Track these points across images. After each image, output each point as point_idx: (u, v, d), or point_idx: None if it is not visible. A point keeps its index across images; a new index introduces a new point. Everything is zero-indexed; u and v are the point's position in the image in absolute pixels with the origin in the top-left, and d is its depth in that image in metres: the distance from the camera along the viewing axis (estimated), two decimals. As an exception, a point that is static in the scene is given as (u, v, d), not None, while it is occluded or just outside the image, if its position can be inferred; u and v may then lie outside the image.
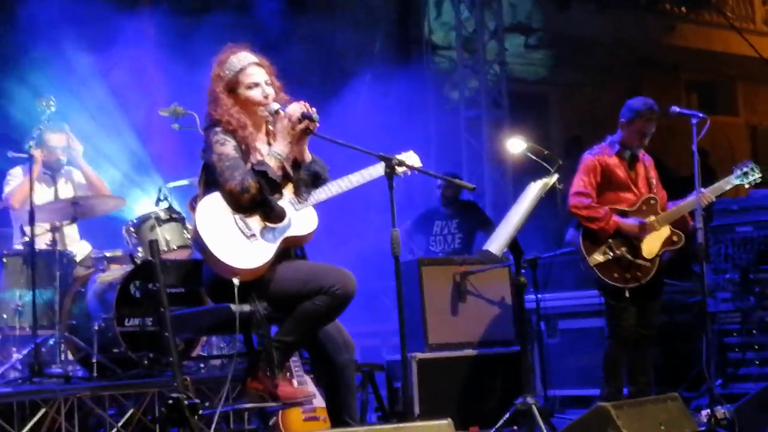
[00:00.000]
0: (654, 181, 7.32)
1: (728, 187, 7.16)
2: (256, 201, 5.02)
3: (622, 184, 7.20)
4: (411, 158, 5.46)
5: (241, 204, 5.01)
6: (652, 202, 7.19)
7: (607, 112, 8.00)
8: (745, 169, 7.22)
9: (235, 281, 4.91)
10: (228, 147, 5.08)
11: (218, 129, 5.11)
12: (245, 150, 5.11)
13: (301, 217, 5.16)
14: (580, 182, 7.14)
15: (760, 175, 7.23)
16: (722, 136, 16.00)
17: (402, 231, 5.18)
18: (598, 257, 7.03)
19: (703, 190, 6.95)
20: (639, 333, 7.10)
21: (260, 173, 4.99)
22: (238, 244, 4.99)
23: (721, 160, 14.07)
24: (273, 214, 5.07)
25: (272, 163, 5.04)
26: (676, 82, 17.11)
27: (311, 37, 10.87)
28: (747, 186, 7.30)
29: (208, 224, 5.00)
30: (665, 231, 7.14)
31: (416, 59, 12.93)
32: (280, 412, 6.41)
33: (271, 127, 5.28)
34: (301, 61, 10.29)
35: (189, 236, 7.46)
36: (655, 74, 16.05)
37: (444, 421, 4.64)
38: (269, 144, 5.25)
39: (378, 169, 5.31)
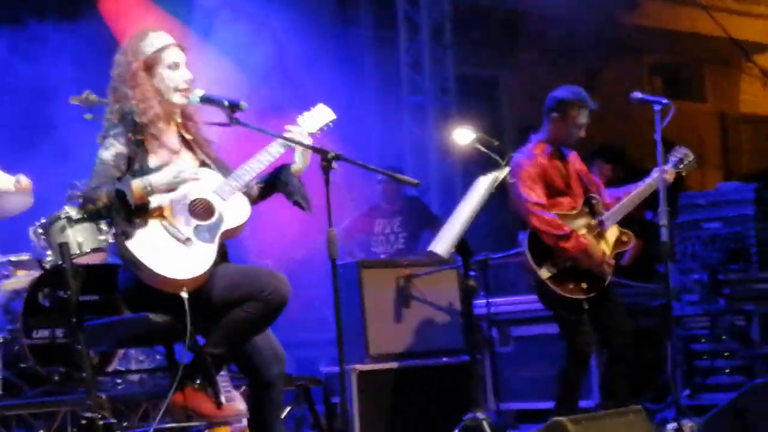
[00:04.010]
0: (585, 176, 7.22)
1: (668, 178, 7.00)
2: (100, 215, 4.94)
3: (560, 188, 7.07)
4: (322, 112, 5.42)
5: (85, 211, 4.96)
6: (593, 202, 7.08)
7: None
8: (679, 155, 7.20)
9: (184, 294, 4.82)
10: (110, 152, 5.01)
11: (118, 131, 5.04)
12: (144, 148, 5.04)
13: (231, 207, 5.07)
14: (531, 192, 6.92)
15: (693, 157, 7.17)
16: (689, 125, 16.14)
17: (340, 231, 5.17)
18: (550, 269, 6.93)
19: (650, 178, 6.97)
20: (618, 345, 7.02)
21: (119, 192, 4.86)
22: (175, 253, 4.91)
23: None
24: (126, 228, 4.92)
25: (136, 187, 4.91)
26: (638, 65, 17.22)
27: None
28: (684, 173, 7.26)
29: (135, 237, 4.91)
30: (614, 231, 7.10)
31: (354, 42, 12.88)
32: (207, 431, 6.41)
33: (179, 119, 5.22)
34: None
35: (104, 238, 7.43)
36: (615, 56, 16.13)
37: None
38: (181, 136, 5.23)
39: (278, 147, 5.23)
